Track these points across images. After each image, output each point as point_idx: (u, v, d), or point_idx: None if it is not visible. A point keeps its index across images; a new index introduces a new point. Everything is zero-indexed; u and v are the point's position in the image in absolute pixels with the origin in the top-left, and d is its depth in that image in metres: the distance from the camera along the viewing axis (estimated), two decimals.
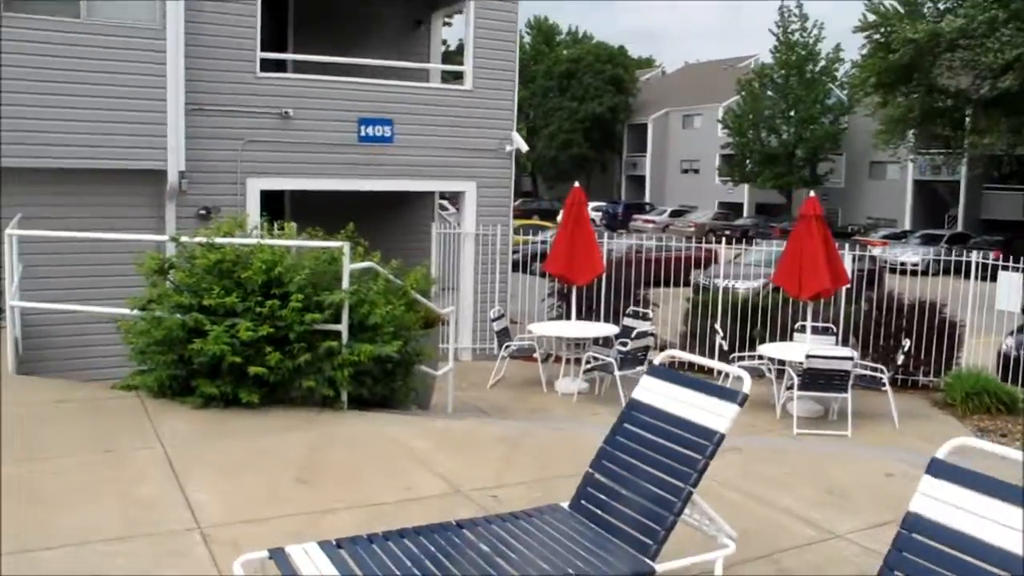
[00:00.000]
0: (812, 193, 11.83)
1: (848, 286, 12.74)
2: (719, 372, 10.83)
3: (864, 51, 36.99)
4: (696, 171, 59.06)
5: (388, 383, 7.12)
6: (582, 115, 58.20)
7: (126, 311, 6.99)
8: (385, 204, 14.59)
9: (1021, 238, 36.40)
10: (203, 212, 11.07)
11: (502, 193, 13.62)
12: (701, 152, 57.74)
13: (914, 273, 24.06)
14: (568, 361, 11.96)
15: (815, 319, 12.77)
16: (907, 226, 43.45)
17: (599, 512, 3.66)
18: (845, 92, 46.50)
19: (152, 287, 6.92)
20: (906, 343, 11.38)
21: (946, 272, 14.37)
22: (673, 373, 4.00)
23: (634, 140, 63.16)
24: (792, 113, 46.44)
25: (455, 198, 46.29)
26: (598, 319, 13.28)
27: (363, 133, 12.30)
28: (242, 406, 6.39)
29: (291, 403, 6.59)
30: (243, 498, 4.80)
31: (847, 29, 41.78)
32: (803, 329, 12.28)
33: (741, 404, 3.58)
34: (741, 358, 11.93)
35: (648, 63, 77.07)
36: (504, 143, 13.39)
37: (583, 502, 3.78)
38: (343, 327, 6.56)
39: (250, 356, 6.33)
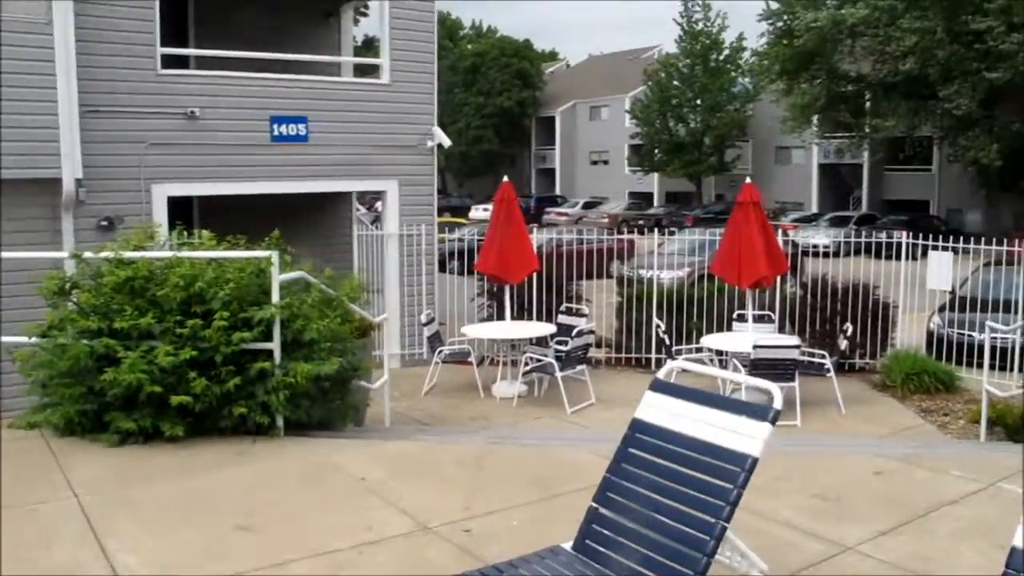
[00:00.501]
0: (749, 180, 11.56)
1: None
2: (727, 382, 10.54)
3: (766, 40, 37.55)
4: (605, 162, 59.26)
5: (326, 403, 6.48)
6: (490, 110, 57.76)
7: (22, 339, 6.17)
8: (301, 207, 13.80)
9: (925, 216, 37.49)
10: (104, 223, 10.14)
11: (425, 191, 13.00)
12: (610, 143, 57.93)
13: (826, 255, 24.30)
14: (505, 363, 11.44)
15: (752, 307, 12.55)
16: (814, 209, 44.32)
17: (612, 555, 3.14)
18: (748, 80, 47.19)
19: (53, 310, 6.11)
20: (848, 327, 11.20)
21: (856, 253, 14.34)
22: (681, 388, 3.50)
23: (542, 133, 63.02)
24: (699, 102, 46.86)
25: (366, 198, 45.06)
26: (531, 318, 12.79)
27: (276, 132, 11.52)
28: (165, 440, 5.67)
29: (221, 434, 5.88)
30: (177, 554, 4.11)
31: (750, 17, 42.38)
32: (741, 318, 12.03)
33: (773, 422, 3.10)
34: (680, 352, 11.59)
35: (552, 56, 77.07)
36: (425, 138, 12.77)
37: (589, 543, 3.24)
38: (275, 345, 5.90)
39: (172, 384, 5.62)
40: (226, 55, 10.94)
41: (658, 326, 11.35)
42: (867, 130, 36.26)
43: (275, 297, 5.93)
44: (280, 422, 5.91)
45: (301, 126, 11.75)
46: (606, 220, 44.96)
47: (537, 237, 23.66)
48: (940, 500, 5.03)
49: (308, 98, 11.65)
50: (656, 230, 38.10)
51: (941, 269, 12.41)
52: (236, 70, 11.13)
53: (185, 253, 6.10)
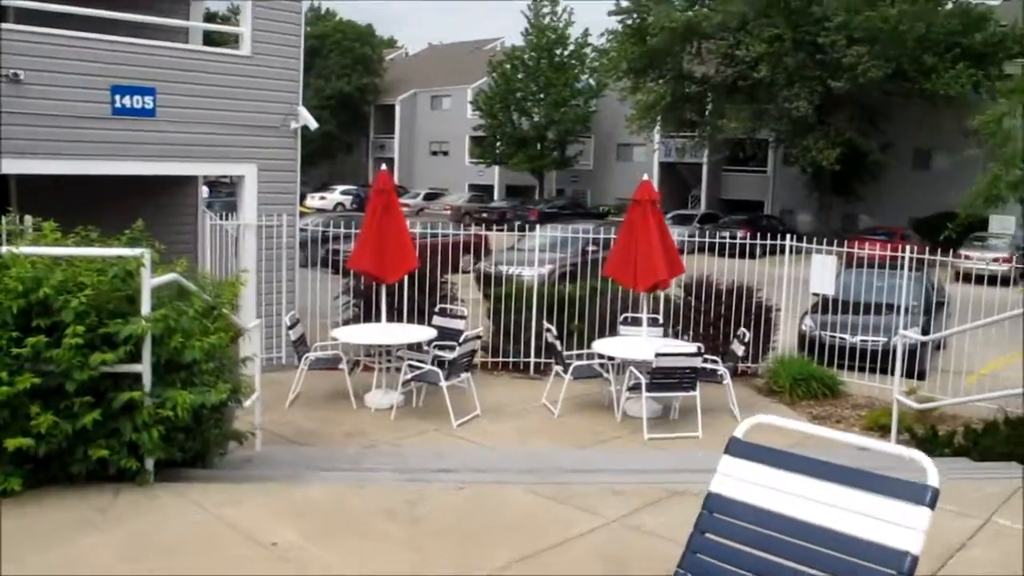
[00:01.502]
0: (645, 177, 10.88)
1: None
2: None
3: (615, 36, 37.62)
4: (446, 153, 58.36)
5: (202, 434, 5.26)
6: (328, 93, 55.60)
7: None
8: (139, 191, 12.15)
9: (762, 216, 38.68)
10: None
11: (287, 177, 11.66)
12: (451, 134, 57.06)
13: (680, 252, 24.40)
14: (379, 370, 10.33)
15: (634, 310, 11.97)
16: None
17: None
18: (589, 77, 47.36)
19: None
20: (745, 333, 10.77)
21: (700, 251, 14.12)
22: (776, 452, 2.62)
23: (382, 121, 61.42)
24: (543, 96, 46.66)
25: (210, 181, 42.18)
26: (401, 319, 11.72)
27: (118, 104, 9.92)
28: None
29: (72, 483, 4.56)
30: None
31: (596, 14, 42.49)
32: (628, 321, 11.42)
33: (932, 505, 2.26)
34: (571, 358, 10.83)
35: (391, 44, 75.35)
36: (289, 119, 11.45)
37: None
38: (145, 368, 4.64)
39: (4, 421, 4.29)
40: (59, 9, 9.27)
41: (548, 330, 10.53)
42: (709, 130, 37.00)
43: (146, 307, 4.67)
44: (151, 465, 4.68)
45: (148, 98, 10.20)
46: (448, 212, 44.08)
47: None
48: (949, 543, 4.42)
49: (157, 67, 10.11)
50: (506, 225, 37.67)
51: (824, 272, 12.22)
52: (72, 29, 9.46)
53: (26, 249, 4.72)
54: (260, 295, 11.55)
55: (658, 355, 9.35)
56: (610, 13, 35.41)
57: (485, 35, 67.65)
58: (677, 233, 29.40)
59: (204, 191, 42.03)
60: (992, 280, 13.32)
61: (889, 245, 28.11)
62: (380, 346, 10.36)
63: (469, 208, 44.16)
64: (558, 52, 46.44)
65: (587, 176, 50.98)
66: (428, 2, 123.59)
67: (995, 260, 27.86)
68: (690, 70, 37.04)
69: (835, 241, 13.48)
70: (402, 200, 47.24)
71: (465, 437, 9.21)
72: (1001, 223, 34.71)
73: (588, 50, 46.55)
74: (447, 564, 3.93)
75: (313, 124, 11.55)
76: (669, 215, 37.93)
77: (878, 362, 12.13)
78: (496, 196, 52.42)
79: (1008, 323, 8.96)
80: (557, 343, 10.30)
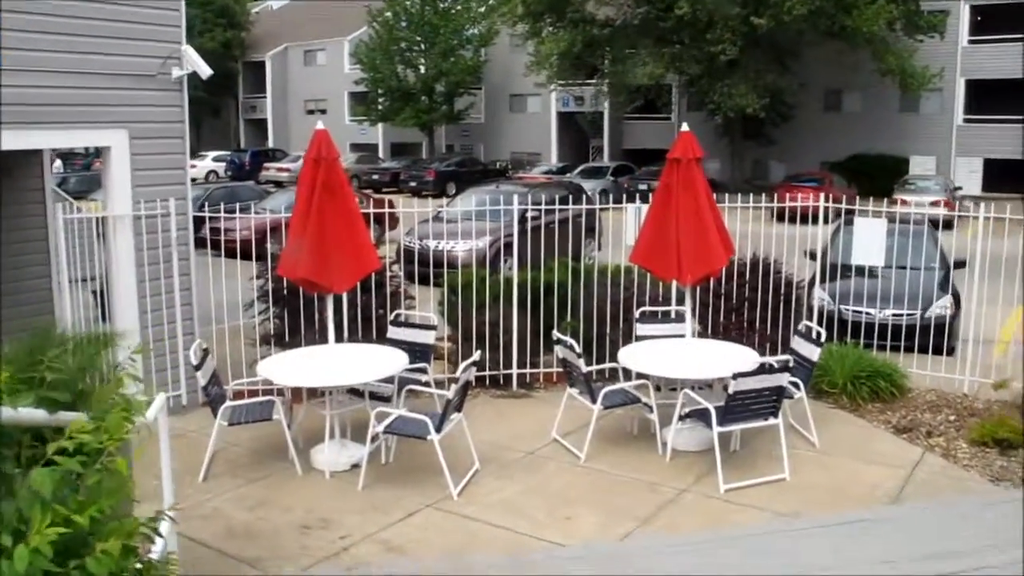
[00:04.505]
0: (685, 127, 8.03)
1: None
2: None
3: None
4: (323, 111, 54.01)
5: None
6: None
7: None
8: None
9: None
10: None
11: (172, 147, 8.34)
12: (328, 90, 52.91)
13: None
14: (329, 413, 7.29)
15: (640, 297, 9.28)
16: (554, 160, 42.39)
17: None
18: (479, 23, 44.02)
19: None
20: (809, 326, 8.17)
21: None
22: None
23: (251, 80, 56.58)
24: (430, 46, 43.16)
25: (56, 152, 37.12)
26: (340, 332, 8.67)
27: None
28: None
29: None
30: None
31: None
32: (647, 317, 8.72)
33: None
34: (591, 375, 7.98)
35: None
36: (170, 64, 8.13)
37: None
38: None
39: None
40: None
41: (560, 341, 7.66)
42: (614, 78, 34.50)
43: None
44: None
45: None
46: None
47: (275, 203, 19.13)
48: None
49: None
50: (397, 186, 34.32)
51: (872, 240, 9.73)
52: None
53: None
54: (142, 312, 8.26)
55: (737, 376, 6.65)
56: None
57: None
58: (590, 187, 27.05)
59: (56, 165, 37.16)
60: (935, 225, 12.15)
61: (821, 193, 26.41)
62: (335, 388, 7.30)
63: (358, 170, 40.51)
64: None
65: (478, 130, 47.89)
66: None
67: (933, 203, 26.55)
68: (592, 13, 34.34)
69: (764, 192, 11.03)
70: (280, 165, 43.43)
71: (479, 516, 6.33)
72: (923, 164, 33.67)
73: None
74: None
75: (206, 70, 8.26)
76: (577, 169, 35.42)
77: (901, 339, 9.88)
78: (381, 155, 48.77)
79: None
80: (579, 361, 7.43)
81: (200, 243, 12.06)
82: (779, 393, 6.90)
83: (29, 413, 2.43)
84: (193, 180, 36.95)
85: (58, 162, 38.36)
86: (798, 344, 8.11)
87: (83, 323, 8.40)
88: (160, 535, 2.98)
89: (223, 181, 38.53)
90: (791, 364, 6.94)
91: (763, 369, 6.78)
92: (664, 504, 6.52)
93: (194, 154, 48.13)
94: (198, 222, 9.24)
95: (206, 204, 16.32)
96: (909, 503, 6.55)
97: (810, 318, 9.63)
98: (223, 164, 45.23)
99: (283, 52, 55.21)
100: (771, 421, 6.97)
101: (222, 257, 11.29)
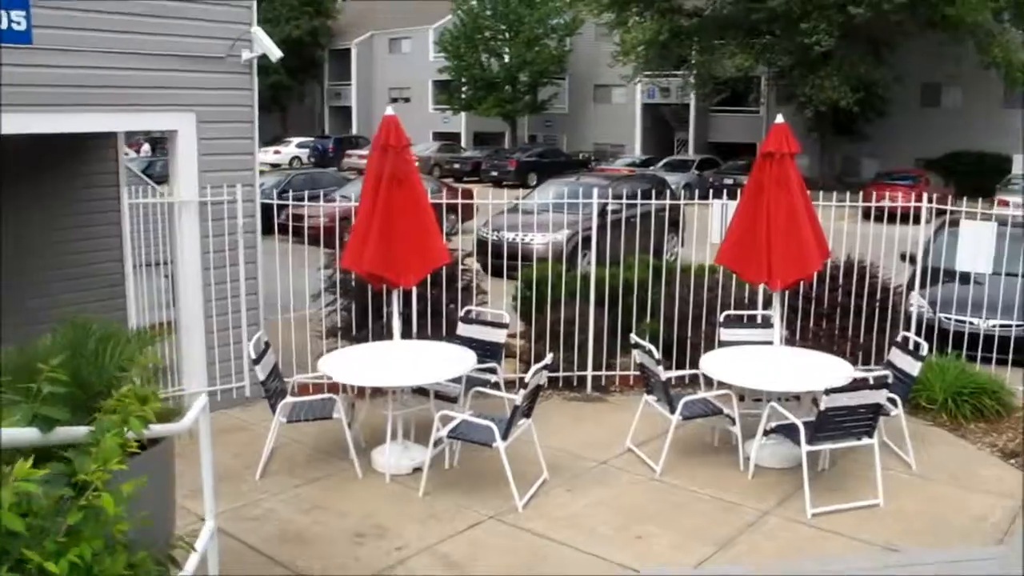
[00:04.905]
0: (780, 118, 7.43)
1: None
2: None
3: None
4: (407, 100, 54.13)
5: None
6: (277, 38, 50.88)
7: None
8: (19, 158, 8.57)
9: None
10: None
11: (241, 131, 8.10)
12: (412, 79, 52.92)
13: None
14: (392, 413, 6.95)
15: (726, 299, 8.74)
16: (637, 152, 41.60)
17: None
18: (564, 12, 43.38)
19: None
20: (908, 337, 7.52)
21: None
22: None
23: (336, 68, 56.97)
24: (514, 35, 42.74)
25: (134, 140, 38.00)
26: (408, 327, 8.35)
27: None
28: None
29: None
30: None
31: None
32: (731, 321, 8.17)
33: None
34: (671, 382, 7.47)
35: None
36: (240, 46, 7.88)
37: None
38: None
39: None
40: None
41: (637, 345, 7.19)
42: (702, 69, 33.55)
43: None
44: None
45: (18, 16, 6.60)
46: (416, 163, 40.20)
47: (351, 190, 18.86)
48: None
49: None
50: (477, 175, 34.05)
51: (980, 245, 8.97)
52: None
53: None
54: (207, 301, 8.06)
55: (829, 392, 6.09)
56: None
57: None
58: (673, 181, 26.29)
59: (144, 149, 37.64)
60: None
61: (916, 192, 25.08)
62: (396, 389, 6.97)
63: (439, 159, 40.39)
64: None
65: (562, 121, 47.29)
66: None
67: None
68: (680, 2, 33.47)
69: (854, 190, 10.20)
70: (362, 152, 43.52)
71: (544, 531, 5.92)
72: None
73: None
74: None
75: (276, 53, 8.00)
76: (661, 162, 34.63)
77: (1009, 352, 9.11)
78: (464, 144, 48.59)
79: None
80: (658, 368, 6.94)
81: (282, 230, 11.96)
82: (876, 411, 6.32)
83: (12, 435, 2.10)
84: (277, 166, 37.41)
85: (146, 146, 39.15)
86: (896, 356, 7.47)
87: (148, 310, 8.24)
88: (175, 563, 2.63)
89: (306, 167, 38.83)
90: (890, 380, 6.33)
91: (859, 384, 6.20)
92: (744, 527, 6.01)
93: (279, 140, 48.85)
94: (276, 209, 9.04)
95: (288, 190, 16.26)
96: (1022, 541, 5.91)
97: (907, 326, 8.97)
98: (307, 151, 45.64)
99: (368, 40, 55.44)
100: (865, 441, 6.39)
101: (300, 243, 11.07)
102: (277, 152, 45.06)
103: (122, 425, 2.31)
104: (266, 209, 8.98)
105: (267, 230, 9.34)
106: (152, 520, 2.84)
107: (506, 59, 43.55)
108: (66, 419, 2.25)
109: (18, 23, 6.56)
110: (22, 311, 7.66)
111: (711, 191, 11.14)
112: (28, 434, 2.23)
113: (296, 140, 47.61)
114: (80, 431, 2.33)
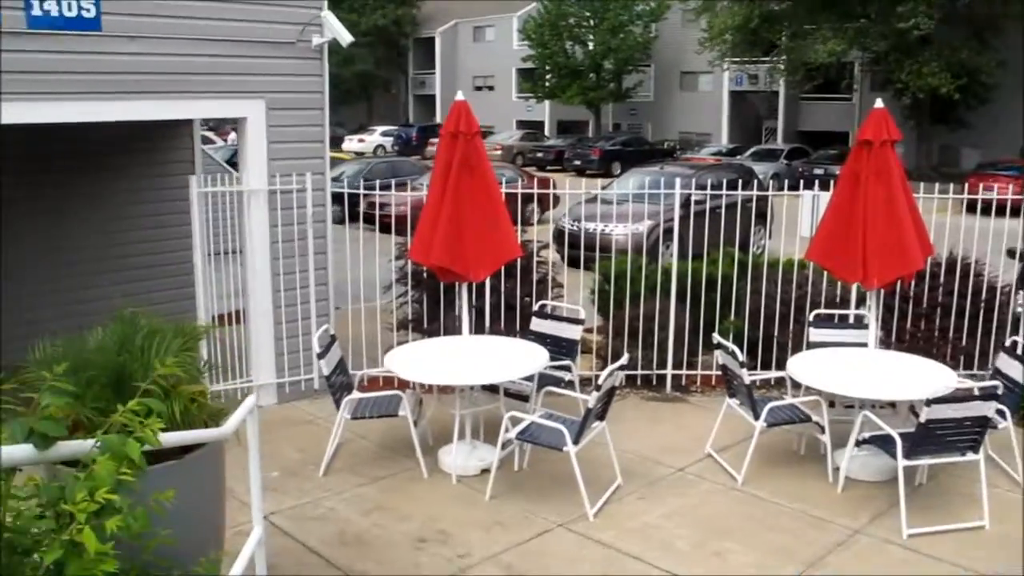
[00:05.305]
0: (879, 103, 6.87)
1: None
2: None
3: None
4: (491, 88, 54.05)
5: None
6: (363, 28, 51.35)
7: None
8: (91, 146, 8.57)
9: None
10: None
11: (311, 118, 7.90)
12: (496, 67, 52.73)
13: None
14: (459, 413, 6.68)
15: (815, 297, 8.22)
16: (724, 141, 40.61)
17: None
18: (651, 1, 42.55)
19: None
20: (1018, 342, 6.90)
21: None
22: None
23: (421, 56, 57.20)
24: (599, 21, 42.12)
25: (225, 127, 38.50)
26: (481, 322, 8.06)
27: (38, 10, 6.26)
28: None
29: None
30: None
31: None
32: (822, 320, 7.65)
33: None
34: (755, 384, 7.02)
35: None
36: (309, 31, 7.67)
37: None
38: None
39: None
40: None
41: (720, 345, 6.76)
42: (792, 55, 32.45)
43: None
44: None
45: (88, 3, 6.51)
46: (499, 152, 39.93)
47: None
48: None
49: None
50: (561, 164, 33.67)
51: None
52: None
53: None
54: (276, 290, 7.91)
55: (931, 403, 5.57)
56: None
57: None
58: (761, 171, 25.46)
59: (231, 138, 38.07)
60: None
61: (1020, 183, 23.66)
62: (464, 388, 6.69)
63: (522, 147, 40.08)
64: None
65: (646, 109, 46.48)
66: None
67: None
68: None
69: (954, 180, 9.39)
70: None
71: (615, 543, 5.56)
72: None
73: None
74: None
75: (346, 37, 7.75)
76: (748, 151, 33.66)
77: None
78: (547, 133, 48.20)
79: None
80: (741, 371, 6.50)
81: (367, 218, 11.80)
82: (983, 424, 5.77)
83: (11, 452, 1.86)
84: (361, 154, 37.63)
85: (233, 135, 39.78)
86: (1004, 363, 6.86)
87: (217, 300, 8.13)
88: None
89: (389, 155, 39.00)
90: (999, 391, 5.78)
91: (966, 395, 5.67)
92: (833, 547, 5.55)
93: (363, 129, 49.25)
94: (351, 198, 8.86)
95: (369, 178, 16.17)
96: None
97: (1014, 330, 8.31)
98: (391, 139, 45.89)
99: (453, 28, 55.44)
100: (970, 456, 5.86)
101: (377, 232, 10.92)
102: (362, 140, 45.43)
103: (121, 446, 2.06)
104: (349, 197, 8.79)
105: (351, 218, 9.16)
106: (176, 539, 2.59)
107: (590, 46, 42.96)
108: (64, 435, 2.02)
109: (87, 10, 6.46)
110: (99, 299, 7.63)
111: (801, 181, 10.59)
112: (23, 452, 1.99)
113: (380, 128, 47.93)
114: (85, 445, 2.10)
